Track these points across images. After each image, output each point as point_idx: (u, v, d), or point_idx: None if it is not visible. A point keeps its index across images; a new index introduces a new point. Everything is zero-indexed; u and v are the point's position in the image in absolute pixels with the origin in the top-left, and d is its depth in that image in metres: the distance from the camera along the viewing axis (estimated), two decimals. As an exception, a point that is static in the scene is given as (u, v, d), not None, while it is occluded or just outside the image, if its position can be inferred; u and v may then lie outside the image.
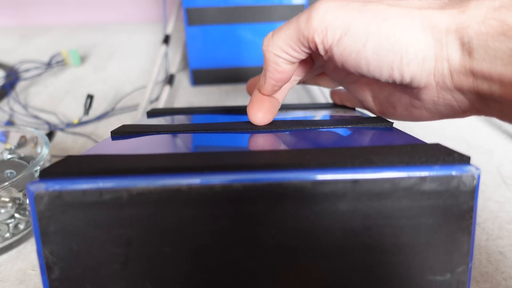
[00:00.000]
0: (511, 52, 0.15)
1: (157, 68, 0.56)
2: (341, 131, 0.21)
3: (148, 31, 0.95)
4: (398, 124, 0.46)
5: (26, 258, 0.29)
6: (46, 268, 0.13)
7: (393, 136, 0.19)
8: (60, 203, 0.13)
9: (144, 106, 0.49)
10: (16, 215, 0.30)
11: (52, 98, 0.58)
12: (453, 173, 0.14)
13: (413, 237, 0.14)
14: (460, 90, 0.17)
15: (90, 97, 0.49)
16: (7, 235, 0.29)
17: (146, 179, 0.13)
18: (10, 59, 0.73)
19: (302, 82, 0.26)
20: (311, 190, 0.13)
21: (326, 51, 0.19)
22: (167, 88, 0.55)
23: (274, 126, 0.22)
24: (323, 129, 0.21)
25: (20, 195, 0.30)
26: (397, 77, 0.18)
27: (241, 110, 0.29)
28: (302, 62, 0.23)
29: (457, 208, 0.14)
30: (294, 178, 0.13)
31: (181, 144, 0.20)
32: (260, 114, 0.22)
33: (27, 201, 0.30)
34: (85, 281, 0.14)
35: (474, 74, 0.16)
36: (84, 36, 0.92)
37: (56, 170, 0.13)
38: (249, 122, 0.23)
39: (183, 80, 0.64)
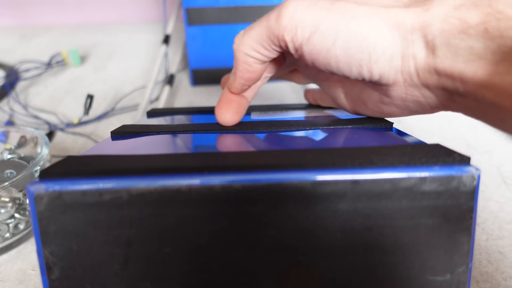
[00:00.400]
0: (471, 50, 0.15)
1: (157, 68, 0.56)
2: (341, 131, 0.21)
3: (148, 31, 0.95)
4: (397, 125, 0.46)
5: (26, 258, 0.29)
6: (46, 268, 0.13)
7: (393, 137, 0.19)
8: (60, 204, 0.13)
9: (144, 106, 0.49)
10: (16, 215, 0.30)
11: (52, 98, 0.58)
12: (453, 173, 0.14)
13: (413, 238, 0.14)
14: (427, 86, 0.18)
15: (90, 97, 0.49)
16: (7, 235, 0.29)
17: (146, 180, 0.13)
18: (10, 59, 0.73)
19: (275, 77, 0.27)
20: (311, 190, 0.13)
21: (296, 50, 0.19)
22: (167, 88, 0.55)
23: (274, 127, 0.22)
24: (323, 129, 0.21)
25: (20, 195, 0.30)
26: (366, 74, 0.18)
27: None
28: (273, 59, 0.23)
29: (457, 209, 0.14)
30: (294, 179, 0.13)
31: (181, 144, 0.20)
32: (228, 115, 0.22)
33: (27, 201, 0.30)
34: (85, 281, 0.14)
35: (437, 71, 0.17)
36: (84, 36, 0.92)
37: (56, 170, 0.13)
38: (250, 122, 0.23)
39: (183, 80, 0.64)
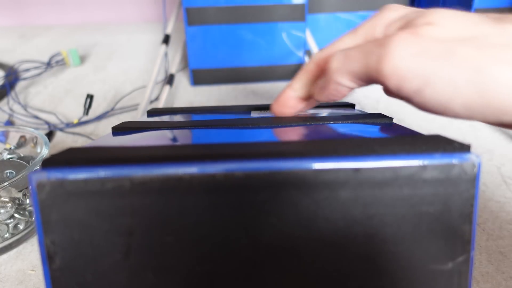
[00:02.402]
0: None
1: (157, 68, 0.56)
2: (342, 126, 0.21)
3: (148, 30, 0.95)
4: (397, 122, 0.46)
5: (26, 258, 0.29)
6: (48, 257, 0.13)
7: (394, 130, 0.19)
8: (62, 192, 0.13)
9: (144, 106, 0.49)
10: (16, 215, 0.30)
11: (52, 98, 0.58)
12: (454, 161, 0.14)
13: (415, 226, 0.14)
14: None
15: (90, 97, 0.48)
16: (7, 235, 0.29)
17: (148, 168, 0.13)
18: (9, 59, 0.73)
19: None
20: (312, 178, 0.13)
21: (400, 96, 0.17)
22: (166, 88, 0.55)
23: (275, 122, 0.22)
24: (324, 124, 0.21)
25: (19, 195, 0.30)
26: (496, 123, 0.16)
27: (241, 109, 0.29)
28: None
29: (458, 196, 0.14)
30: (296, 167, 0.13)
31: (182, 137, 0.20)
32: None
33: (27, 201, 0.30)
34: (87, 271, 0.14)
35: None
36: (84, 36, 0.92)
37: (58, 159, 0.13)
38: (250, 119, 0.23)
39: (183, 80, 0.64)
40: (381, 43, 0.16)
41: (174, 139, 0.19)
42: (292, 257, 0.14)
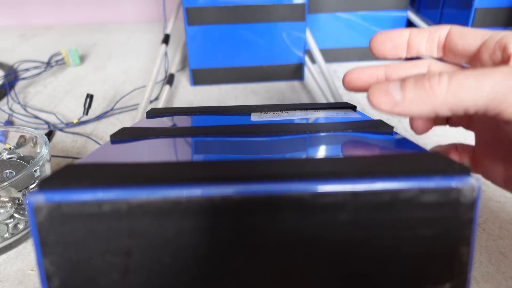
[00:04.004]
0: None
1: (157, 68, 0.56)
2: (341, 137, 0.21)
3: (147, 30, 0.95)
4: (398, 125, 0.46)
5: (26, 258, 0.29)
6: (46, 278, 0.13)
7: (394, 143, 0.19)
8: (59, 215, 0.13)
9: (144, 105, 0.49)
10: (16, 215, 0.30)
11: (52, 97, 0.58)
12: (453, 185, 0.13)
13: (413, 248, 0.14)
14: None
15: (90, 97, 0.48)
16: (6, 235, 0.29)
17: (145, 191, 0.13)
18: (9, 59, 0.73)
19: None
20: (310, 201, 0.13)
21: None
22: (166, 88, 0.55)
23: (273, 131, 0.22)
24: (323, 135, 0.21)
25: (19, 195, 0.30)
26: None
27: (242, 110, 0.29)
28: None
29: (456, 220, 0.14)
30: (293, 190, 0.13)
31: (181, 150, 0.20)
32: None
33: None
34: None
35: None
36: (83, 36, 0.91)
37: (56, 181, 0.13)
38: (249, 125, 0.23)
39: (182, 79, 0.64)
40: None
41: (173, 151, 0.19)
42: (290, 278, 0.14)
